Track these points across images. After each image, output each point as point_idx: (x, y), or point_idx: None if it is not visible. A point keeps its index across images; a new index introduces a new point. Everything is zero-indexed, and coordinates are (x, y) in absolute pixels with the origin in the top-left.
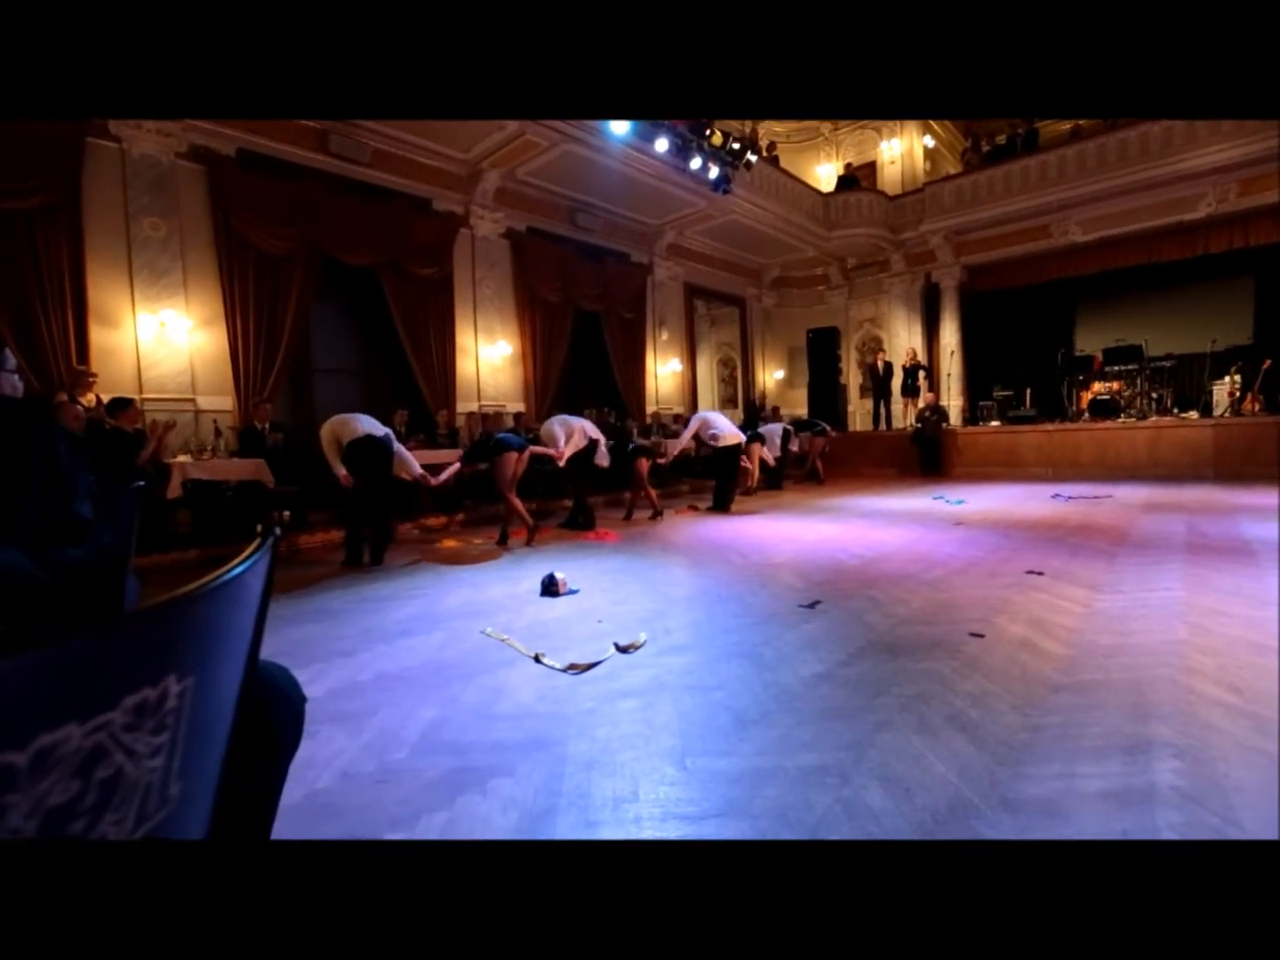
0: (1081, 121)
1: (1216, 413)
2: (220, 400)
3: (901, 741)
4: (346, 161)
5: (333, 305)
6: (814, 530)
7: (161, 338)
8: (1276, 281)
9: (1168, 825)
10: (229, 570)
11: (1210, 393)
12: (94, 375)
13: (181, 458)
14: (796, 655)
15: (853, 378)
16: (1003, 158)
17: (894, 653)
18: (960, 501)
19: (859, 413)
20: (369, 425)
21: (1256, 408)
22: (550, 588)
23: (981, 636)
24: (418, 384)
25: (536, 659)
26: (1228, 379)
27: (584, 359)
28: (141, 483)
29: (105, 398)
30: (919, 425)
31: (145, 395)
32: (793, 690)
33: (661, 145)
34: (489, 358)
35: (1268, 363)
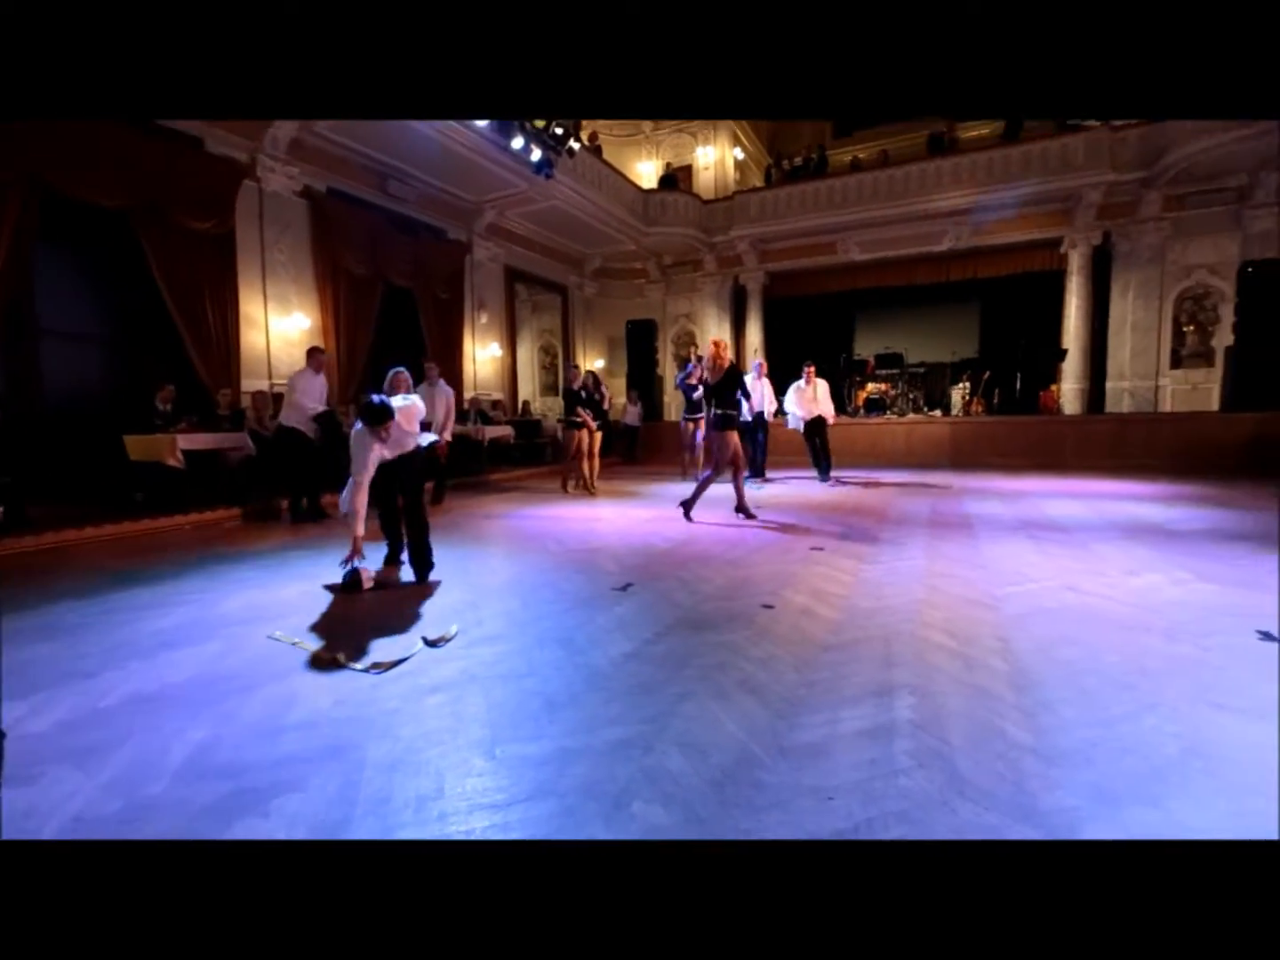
0: (861, 155)
1: (953, 413)
2: None
3: (700, 708)
4: None
5: (69, 255)
6: (629, 516)
7: None
8: (995, 309)
9: (903, 752)
10: None
11: (949, 396)
12: None
13: None
14: (607, 637)
15: (669, 369)
16: (799, 178)
17: (697, 628)
18: (760, 487)
19: (674, 403)
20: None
21: (979, 410)
22: (352, 583)
23: (771, 608)
24: (189, 357)
25: (334, 661)
26: (961, 385)
27: (396, 338)
28: None
29: None
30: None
31: None
32: (602, 671)
33: (480, 120)
34: (283, 330)
35: (987, 374)
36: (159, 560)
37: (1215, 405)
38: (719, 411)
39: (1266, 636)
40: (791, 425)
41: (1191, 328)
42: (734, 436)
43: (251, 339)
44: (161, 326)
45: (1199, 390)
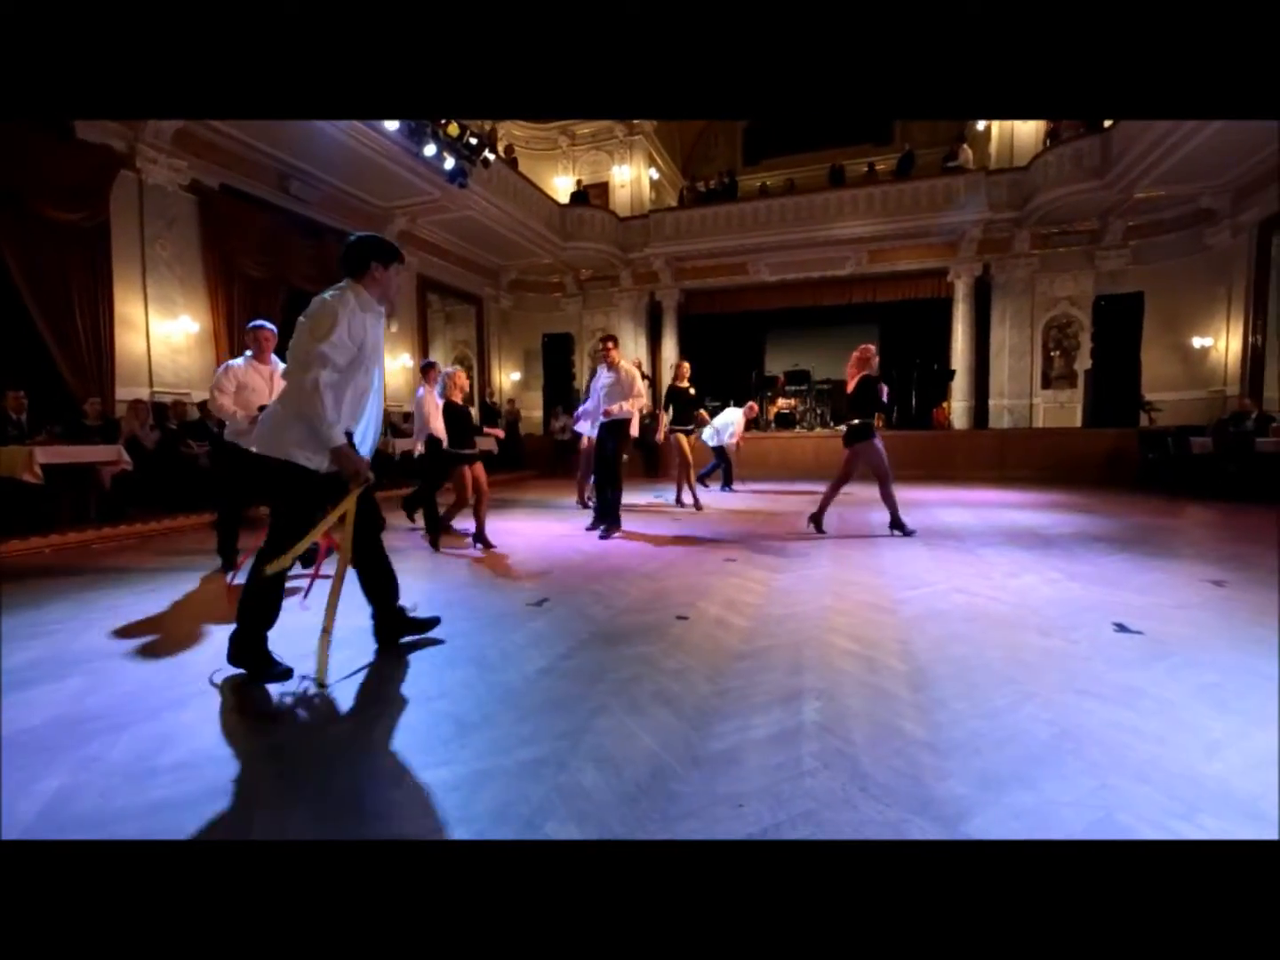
0: (769, 181)
1: None
2: None
3: (615, 723)
4: None
5: None
6: (545, 529)
7: None
8: (892, 331)
9: (809, 754)
10: None
11: None
12: None
13: None
14: (521, 653)
15: (585, 383)
16: (712, 200)
17: (612, 641)
18: (660, 493)
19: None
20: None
21: (880, 424)
22: None
23: (686, 619)
24: (54, 360)
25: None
26: None
27: None
28: None
29: None
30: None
31: None
32: (516, 688)
33: (391, 124)
34: (167, 334)
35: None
36: (12, 588)
37: (1079, 422)
38: (854, 422)
39: (1121, 629)
40: (584, 432)
41: (1058, 352)
42: (865, 449)
43: (129, 342)
44: (18, 324)
45: (1065, 408)
